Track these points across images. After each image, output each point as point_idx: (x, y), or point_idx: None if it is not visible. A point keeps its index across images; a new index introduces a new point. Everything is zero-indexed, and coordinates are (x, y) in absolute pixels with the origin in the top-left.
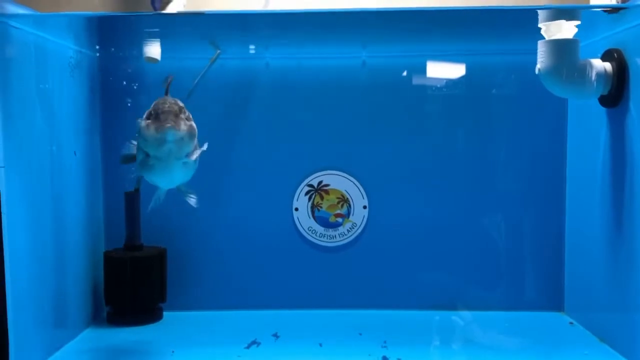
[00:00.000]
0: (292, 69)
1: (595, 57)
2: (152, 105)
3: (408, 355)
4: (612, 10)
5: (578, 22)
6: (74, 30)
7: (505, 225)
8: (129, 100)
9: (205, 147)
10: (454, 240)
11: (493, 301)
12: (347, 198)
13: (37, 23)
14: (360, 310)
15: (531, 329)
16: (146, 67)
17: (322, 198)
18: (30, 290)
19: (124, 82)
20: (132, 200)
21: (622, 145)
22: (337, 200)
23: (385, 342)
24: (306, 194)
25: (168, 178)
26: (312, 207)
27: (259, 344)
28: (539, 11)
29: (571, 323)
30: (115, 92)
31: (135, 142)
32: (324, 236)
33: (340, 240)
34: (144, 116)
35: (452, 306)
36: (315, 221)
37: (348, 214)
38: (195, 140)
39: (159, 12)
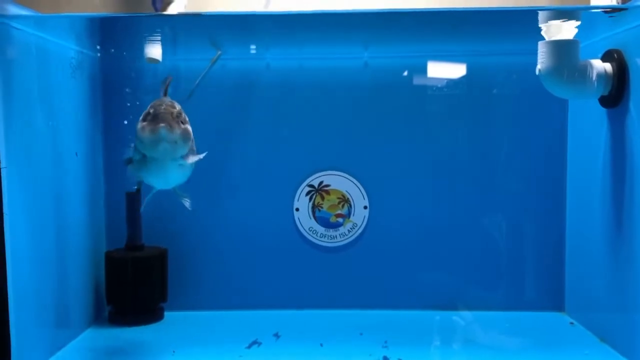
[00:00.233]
0: (293, 70)
1: (595, 57)
2: (148, 107)
3: (409, 355)
4: (612, 11)
5: (578, 23)
6: (75, 31)
7: (505, 225)
8: (130, 101)
9: (202, 156)
10: (455, 241)
11: (494, 301)
12: (348, 198)
13: (39, 24)
14: (361, 310)
15: (532, 329)
16: (147, 68)
17: (322, 198)
18: (31, 290)
19: (125, 83)
20: (133, 201)
21: (623, 145)
22: (337, 200)
23: (386, 342)
24: (307, 194)
25: (163, 179)
26: (313, 207)
27: (260, 344)
28: (539, 12)
29: (572, 323)
30: (117, 93)
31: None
32: (325, 236)
33: (341, 241)
34: (141, 117)
35: (452, 306)
36: (316, 221)
37: (349, 214)
38: (191, 143)
39: (160, 13)
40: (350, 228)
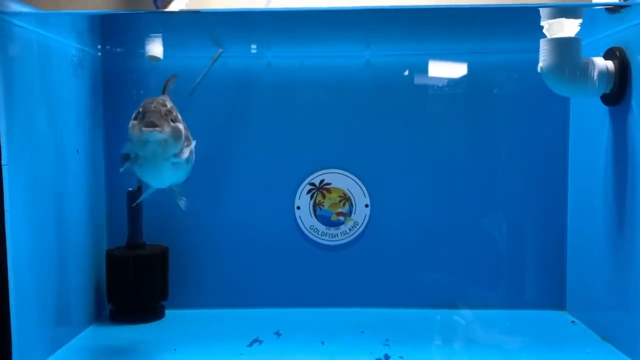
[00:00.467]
0: (294, 68)
1: (597, 55)
2: (140, 105)
3: (410, 353)
4: (615, 8)
5: (580, 21)
6: (76, 29)
7: (507, 224)
8: (131, 99)
9: (193, 144)
10: (456, 239)
11: (495, 300)
12: (349, 197)
13: (40, 21)
14: (362, 308)
15: (533, 328)
16: (148, 66)
17: (324, 196)
18: (32, 288)
19: (127, 81)
20: (134, 199)
21: (625, 143)
22: (339, 198)
23: (387, 340)
24: (308, 192)
25: (156, 177)
26: (314, 205)
27: (261, 342)
28: (541, 9)
29: (573, 322)
30: (118, 91)
31: None
32: (326, 235)
33: (342, 239)
34: (132, 116)
35: (454, 305)
36: (317, 220)
37: (350, 213)
38: (182, 142)
39: (161, 10)
40: (352, 226)
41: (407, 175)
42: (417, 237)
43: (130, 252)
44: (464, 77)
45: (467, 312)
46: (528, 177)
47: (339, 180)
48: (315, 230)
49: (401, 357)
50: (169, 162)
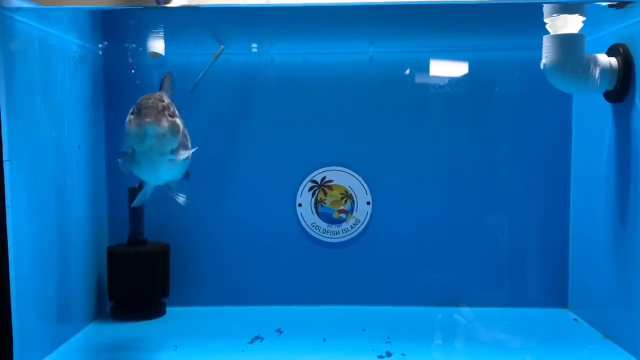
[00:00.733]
0: (298, 65)
1: (600, 52)
2: (137, 101)
3: (412, 350)
4: (620, 4)
5: (583, 17)
6: (77, 25)
7: (509, 222)
8: (133, 95)
9: (192, 151)
10: (458, 237)
11: (497, 298)
12: (351, 194)
13: (41, 17)
14: (363, 306)
15: (536, 326)
16: (150, 62)
17: (325, 194)
18: (34, 285)
19: (128, 77)
20: (136, 196)
21: (628, 140)
22: (340, 196)
23: (389, 337)
24: (309, 189)
25: (154, 174)
26: (316, 203)
27: (262, 339)
28: (544, 6)
29: (575, 319)
30: (119, 87)
31: None
32: (328, 232)
33: (344, 237)
34: (130, 111)
35: (456, 302)
36: (319, 217)
37: (351, 210)
38: (180, 137)
39: (162, 6)
40: (353, 224)
41: (409, 173)
42: (418, 235)
43: (131, 249)
44: (466, 74)
45: (469, 310)
46: (530, 174)
47: (341, 177)
48: (317, 227)
49: (403, 355)
50: (165, 158)
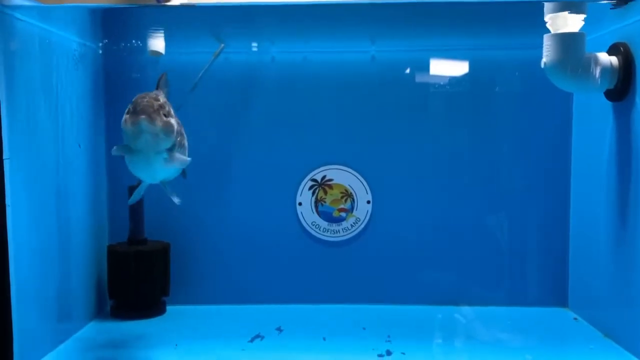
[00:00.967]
0: (299, 64)
1: (601, 50)
2: (133, 99)
3: (412, 349)
4: (619, 3)
5: (584, 16)
6: (78, 23)
7: (509, 221)
8: (133, 94)
9: (187, 159)
10: (458, 236)
11: (497, 297)
12: (351, 193)
13: (42, 15)
14: (364, 305)
15: (536, 325)
16: (150, 61)
17: (325, 193)
18: (34, 283)
19: (128, 76)
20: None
21: (628, 139)
22: (340, 195)
23: (389, 336)
24: (310, 188)
25: (149, 172)
26: (316, 201)
27: (262, 337)
28: (545, 4)
29: (575, 319)
30: (119, 85)
31: None
32: (328, 231)
33: (344, 235)
34: (125, 110)
35: (456, 301)
36: (319, 216)
37: (352, 209)
38: (175, 136)
39: (162, 4)
40: (353, 223)
41: (409, 172)
42: (419, 234)
43: (131, 247)
44: (467, 73)
45: (469, 309)
46: (530, 173)
47: (341, 176)
48: (317, 226)
49: (403, 354)
50: (161, 157)
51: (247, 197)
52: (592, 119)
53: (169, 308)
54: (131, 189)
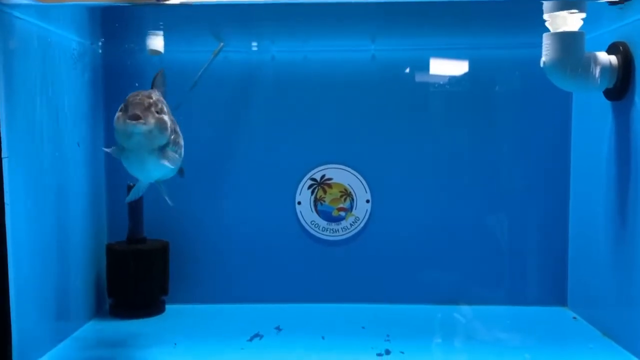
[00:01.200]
0: (298, 62)
1: (600, 50)
2: (126, 97)
3: (411, 349)
4: (619, 1)
5: (583, 15)
6: (77, 22)
7: (509, 220)
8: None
9: (178, 158)
10: (458, 235)
11: (497, 296)
12: (350, 192)
13: (41, 14)
14: (363, 304)
15: (535, 324)
16: (149, 60)
17: (324, 192)
18: (33, 282)
19: (127, 74)
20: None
21: (627, 138)
22: (340, 194)
23: (388, 335)
24: (309, 187)
25: (142, 170)
26: (315, 200)
27: (261, 336)
28: (544, 3)
29: (574, 318)
30: (119, 84)
31: None
32: (327, 230)
33: (343, 234)
34: (119, 108)
35: (455, 301)
36: (318, 215)
37: (351, 208)
38: (168, 134)
39: (162, 2)
40: (353, 222)
41: (408, 171)
42: (418, 233)
43: (130, 246)
44: (467, 72)
45: (468, 309)
46: (530, 172)
47: (340, 175)
48: (316, 225)
49: (402, 353)
50: (155, 155)
51: (246, 196)
52: (592, 118)
53: (168, 307)
54: (130, 188)
